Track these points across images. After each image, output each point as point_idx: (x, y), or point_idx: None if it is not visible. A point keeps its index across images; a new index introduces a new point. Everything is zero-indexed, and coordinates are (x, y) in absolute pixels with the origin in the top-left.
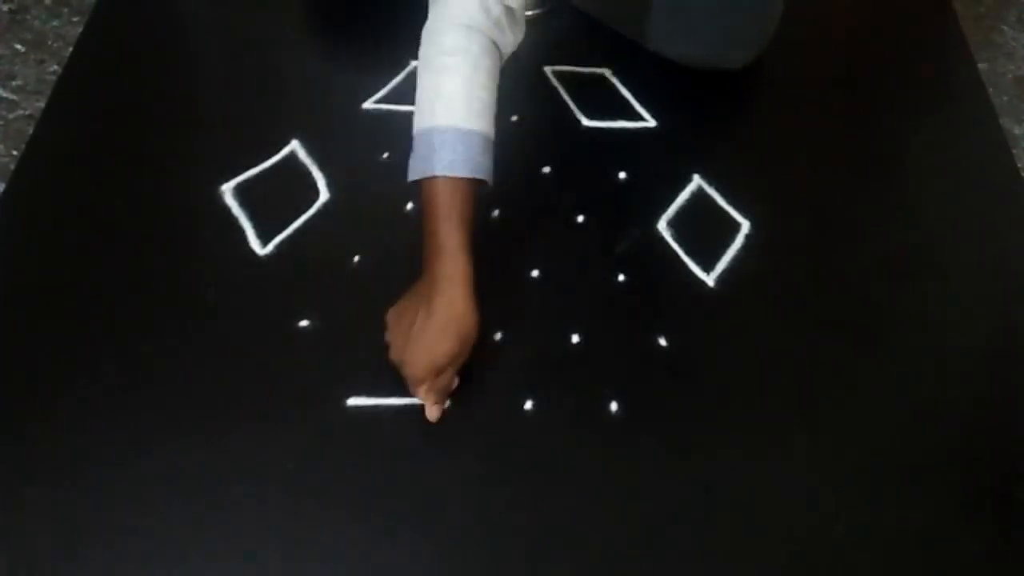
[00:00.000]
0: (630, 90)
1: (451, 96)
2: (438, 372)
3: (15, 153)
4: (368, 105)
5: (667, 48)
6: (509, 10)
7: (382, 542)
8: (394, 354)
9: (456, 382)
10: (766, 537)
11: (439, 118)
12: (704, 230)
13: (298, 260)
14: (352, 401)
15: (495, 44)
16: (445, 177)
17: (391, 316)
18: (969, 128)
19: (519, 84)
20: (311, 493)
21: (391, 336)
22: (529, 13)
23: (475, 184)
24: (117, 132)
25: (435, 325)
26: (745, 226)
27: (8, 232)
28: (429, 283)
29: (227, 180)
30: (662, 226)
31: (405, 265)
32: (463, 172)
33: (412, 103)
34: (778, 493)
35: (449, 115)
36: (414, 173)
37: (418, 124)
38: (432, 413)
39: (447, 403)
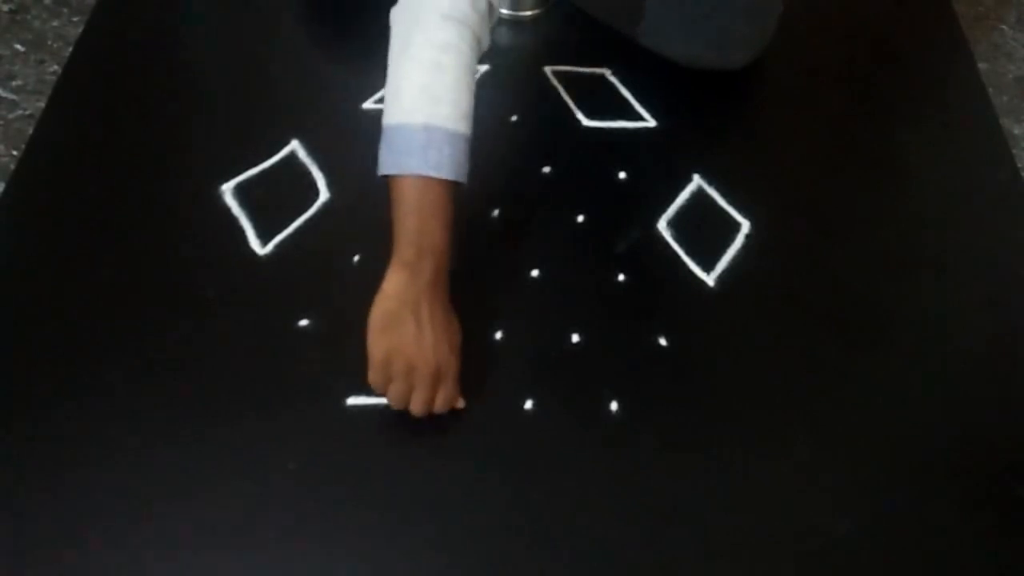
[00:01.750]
0: (630, 90)
1: (442, 96)
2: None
3: (15, 153)
4: (368, 105)
5: (666, 48)
6: (491, 6)
7: (382, 541)
8: (405, 359)
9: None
10: (766, 537)
11: (433, 117)
12: (704, 230)
13: (298, 260)
14: (352, 401)
15: (479, 42)
16: (435, 178)
17: (381, 324)
18: (969, 128)
19: (519, 84)
20: (311, 493)
21: (391, 343)
22: (529, 13)
23: (456, 186)
24: (117, 132)
25: (442, 324)
26: (745, 226)
27: (8, 232)
28: (418, 286)
29: (227, 180)
30: (662, 226)
31: None
32: (451, 175)
33: None
34: (778, 493)
35: (440, 115)
36: (392, 167)
37: (403, 117)
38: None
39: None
